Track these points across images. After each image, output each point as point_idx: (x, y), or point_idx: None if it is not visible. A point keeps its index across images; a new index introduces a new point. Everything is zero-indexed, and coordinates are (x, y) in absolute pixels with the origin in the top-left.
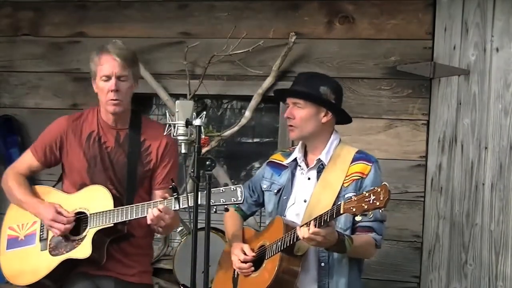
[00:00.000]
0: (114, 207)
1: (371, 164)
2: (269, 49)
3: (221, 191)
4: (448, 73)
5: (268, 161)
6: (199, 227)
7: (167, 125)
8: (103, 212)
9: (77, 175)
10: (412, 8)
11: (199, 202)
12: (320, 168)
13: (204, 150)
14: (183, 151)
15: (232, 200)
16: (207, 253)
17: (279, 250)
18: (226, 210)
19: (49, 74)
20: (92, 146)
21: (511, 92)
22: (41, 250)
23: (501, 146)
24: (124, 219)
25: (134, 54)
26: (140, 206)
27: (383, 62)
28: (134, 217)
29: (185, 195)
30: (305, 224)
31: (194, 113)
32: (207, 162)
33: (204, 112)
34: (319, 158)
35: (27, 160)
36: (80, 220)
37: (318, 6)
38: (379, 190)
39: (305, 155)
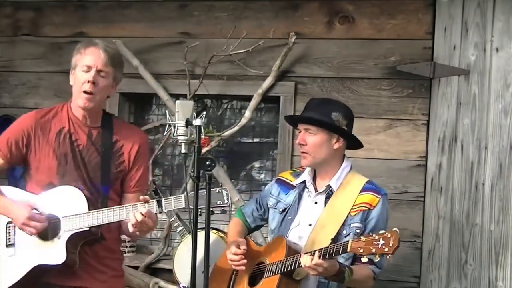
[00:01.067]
0: (89, 209)
1: (380, 197)
2: (269, 49)
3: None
4: (448, 73)
5: (277, 178)
6: (199, 227)
7: (167, 125)
8: (77, 215)
9: (44, 175)
10: (412, 8)
11: (184, 205)
12: (329, 194)
13: (204, 150)
14: (183, 151)
15: (218, 203)
16: (207, 253)
17: (279, 272)
18: (212, 213)
19: (49, 74)
20: (62, 143)
21: (511, 92)
22: (9, 256)
23: (501, 146)
24: (101, 223)
25: (121, 56)
26: (118, 209)
27: (383, 62)
28: (112, 221)
29: (168, 197)
30: (309, 252)
31: (194, 113)
32: (207, 162)
33: (204, 112)
34: (329, 184)
35: None
36: (51, 225)
37: (318, 6)
38: (389, 236)
39: (314, 178)
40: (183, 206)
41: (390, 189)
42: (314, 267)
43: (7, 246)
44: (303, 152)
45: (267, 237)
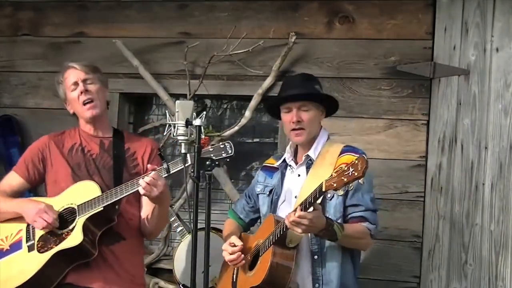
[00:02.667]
0: None
1: (357, 155)
2: (269, 49)
3: (210, 149)
4: (448, 73)
5: (262, 166)
6: (199, 227)
7: (167, 125)
8: (90, 200)
9: (63, 183)
10: (412, 8)
11: (190, 162)
12: (309, 163)
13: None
14: (183, 151)
15: (223, 155)
16: (207, 253)
17: (271, 243)
18: (218, 165)
19: (49, 74)
20: (75, 156)
21: (511, 92)
22: (29, 252)
23: (501, 146)
24: (114, 199)
25: (96, 66)
26: (129, 183)
27: (383, 62)
28: (125, 195)
29: (175, 160)
30: (292, 211)
31: (194, 113)
32: (207, 162)
33: (204, 112)
34: (308, 154)
35: (9, 178)
36: (69, 215)
37: (318, 6)
38: (356, 162)
39: (295, 154)
40: (190, 163)
41: (390, 189)
42: (299, 220)
43: (27, 241)
44: (299, 129)
45: None
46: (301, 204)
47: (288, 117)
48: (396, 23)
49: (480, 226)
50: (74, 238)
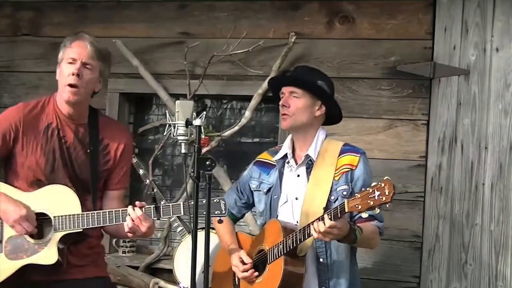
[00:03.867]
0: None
1: (359, 155)
2: (269, 49)
3: (204, 202)
4: (448, 73)
5: (255, 161)
6: (199, 227)
7: (167, 125)
8: (70, 215)
9: (30, 171)
10: (412, 8)
11: (182, 213)
12: (309, 164)
13: (204, 150)
14: (183, 151)
15: (216, 213)
16: (207, 253)
17: (282, 253)
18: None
19: (49, 74)
20: (50, 139)
21: (511, 92)
22: None
23: (501, 146)
24: (96, 225)
25: (108, 53)
26: (114, 212)
27: (383, 62)
28: (107, 224)
29: (165, 204)
30: (316, 219)
31: (194, 113)
32: (207, 162)
33: (204, 112)
34: (307, 154)
35: None
36: (42, 222)
37: (318, 6)
38: (383, 185)
39: (293, 152)
40: (181, 214)
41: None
42: (329, 231)
43: None
44: (284, 114)
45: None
46: (329, 213)
47: (281, 102)
48: (396, 23)
49: (480, 226)
50: (48, 256)
